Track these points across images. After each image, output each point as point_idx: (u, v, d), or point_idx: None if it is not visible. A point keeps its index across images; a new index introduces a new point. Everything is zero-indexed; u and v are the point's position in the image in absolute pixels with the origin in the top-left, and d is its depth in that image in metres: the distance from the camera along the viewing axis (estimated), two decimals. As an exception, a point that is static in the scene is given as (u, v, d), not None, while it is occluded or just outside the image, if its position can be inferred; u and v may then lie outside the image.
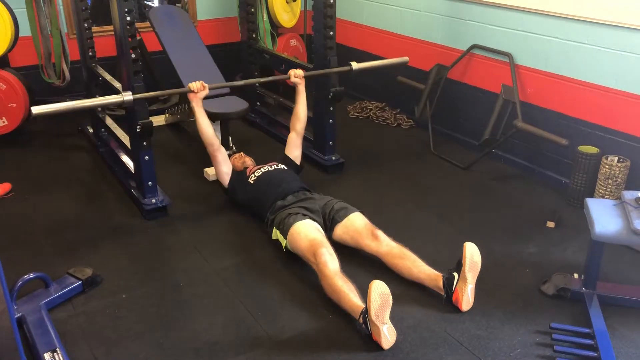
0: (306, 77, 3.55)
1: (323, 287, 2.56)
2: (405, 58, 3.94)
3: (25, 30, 4.09)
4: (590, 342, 2.34)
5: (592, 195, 3.36)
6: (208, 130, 3.27)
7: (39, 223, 3.27)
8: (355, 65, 3.69)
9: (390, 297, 2.28)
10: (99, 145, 4.13)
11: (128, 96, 3.04)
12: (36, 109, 2.83)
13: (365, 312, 2.31)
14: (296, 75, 3.49)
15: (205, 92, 3.27)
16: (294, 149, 3.48)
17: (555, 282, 2.67)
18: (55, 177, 3.81)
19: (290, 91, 5.17)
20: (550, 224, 3.23)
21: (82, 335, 2.41)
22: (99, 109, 4.08)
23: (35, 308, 2.46)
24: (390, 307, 2.29)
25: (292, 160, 3.46)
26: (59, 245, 3.04)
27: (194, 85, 3.24)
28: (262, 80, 3.63)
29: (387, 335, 2.30)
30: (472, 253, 2.51)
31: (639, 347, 2.36)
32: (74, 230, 3.19)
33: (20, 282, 2.46)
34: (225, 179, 3.33)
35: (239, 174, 3.34)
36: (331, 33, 3.65)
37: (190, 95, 3.26)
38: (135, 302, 2.62)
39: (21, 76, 4.21)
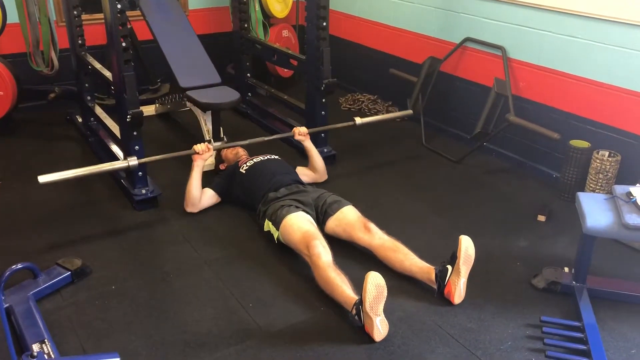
0: (310, 134, 3.51)
1: (316, 278, 2.55)
2: (410, 111, 4.07)
3: (13, 17, 4.02)
4: (580, 335, 2.36)
5: (582, 190, 3.38)
6: (197, 194, 3.19)
7: (28, 213, 3.23)
8: (358, 120, 3.74)
9: (385, 289, 2.28)
10: (88, 134, 4.08)
11: (133, 161, 3.07)
12: (43, 179, 2.83)
13: (359, 303, 2.30)
14: (300, 133, 3.48)
15: (210, 153, 3.26)
16: (304, 176, 3.41)
17: (545, 275, 2.68)
18: (43, 167, 3.74)
19: (282, 83, 5.17)
20: (541, 218, 3.24)
21: (71, 326, 2.39)
22: (89, 97, 4.04)
23: (24, 298, 2.43)
24: (384, 299, 2.29)
25: (297, 173, 3.35)
26: (48, 235, 3.01)
27: (199, 147, 3.21)
28: (266, 139, 3.54)
29: (380, 328, 2.29)
30: (467, 246, 2.51)
31: (628, 340, 2.38)
32: (63, 221, 3.15)
33: (8, 272, 2.41)
34: (217, 200, 3.29)
35: (228, 170, 3.32)
36: (324, 24, 3.62)
37: (195, 157, 3.22)
38: (124, 293, 2.60)
39: (9, 64, 4.15)
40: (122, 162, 3.10)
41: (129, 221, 3.17)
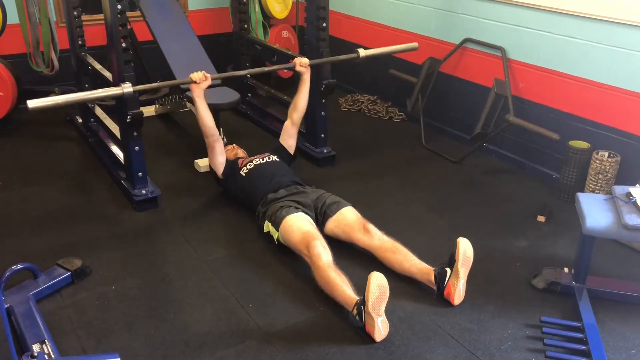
0: (311, 65, 3.45)
1: (316, 279, 2.55)
2: (414, 44, 3.80)
3: (13, 18, 4.02)
4: (579, 335, 2.36)
5: (582, 190, 3.38)
6: (209, 121, 3.20)
7: (28, 213, 3.23)
8: (362, 52, 3.58)
9: (388, 289, 2.29)
10: (88, 135, 4.09)
11: (128, 88, 2.96)
12: (32, 103, 2.72)
13: (362, 302, 2.31)
14: (301, 64, 3.40)
15: (208, 82, 3.18)
16: (288, 138, 3.44)
17: (545, 276, 2.68)
18: (43, 168, 3.77)
19: (282, 84, 5.17)
20: (541, 218, 3.24)
21: (71, 327, 2.39)
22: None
23: (24, 299, 2.43)
24: (386, 299, 2.29)
25: (286, 149, 3.42)
26: (48, 236, 3.01)
27: (196, 75, 3.15)
28: (265, 69, 3.51)
29: (381, 328, 2.30)
30: (465, 249, 2.51)
31: (627, 340, 2.38)
32: (63, 221, 3.15)
33: (8, 273, 2.41)
34: (220, 169, 3.30)
35: (231, 164, 3.32)
36: (324, 25, 3.63)
37: (192, 86, 3.16)
38: (124, 294, 2.60)
39: (9, 64, 4.15)
40: (116, 89, 2.98)
41: (129, 222, 3.17)
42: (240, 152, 3.50)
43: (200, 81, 3.15)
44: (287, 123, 3.46)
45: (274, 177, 3.13)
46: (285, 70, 5.02)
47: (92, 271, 2.73)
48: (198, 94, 3.17)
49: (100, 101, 4.23)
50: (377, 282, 2.26)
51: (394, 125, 4.61)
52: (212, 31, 5.10)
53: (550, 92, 3.60)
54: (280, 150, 3.41)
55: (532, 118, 3.62)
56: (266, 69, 3.54)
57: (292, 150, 3.45)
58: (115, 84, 3.15)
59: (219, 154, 3.29)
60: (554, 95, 3.59)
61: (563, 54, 3.49)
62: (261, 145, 3.64)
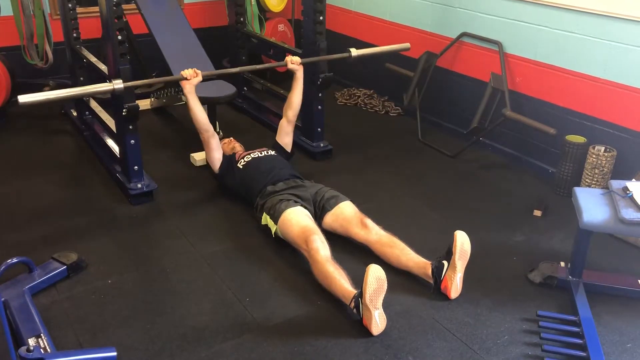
0: (303, 64, 3.46)
1: (314, 273, 2.55)
2: (406, 44, 3.83)
3: (6, 10, 3.99)
4: (576, 329, 2.37)
5: (578, 185, 3.39)
6: (202, 117, 3.21)
7: (22, 207, 3.21)
8: (354, 51, 3.60)
9: (386, 282, 2.29)
10: (83, 128, 4.06)
11: (119, 84, 2.96)
12: (23, 98, 2.72)
13: (359, 295, 2.31)
14: (293, 62, 3.42)
15: (199, 78, 3.20)
16: (285, 136, 3.45)
17: (542, 270, 2.69)
18: (38, 161, 3.74)
19: (278, 77, 5.15)
20: (537, 213, 3.25)
21: (67, 321, 2.38)
22: (84, 92, 4.01)
23: (19, 293, 2.42)
24: (384, 292, 2.29)
25: (283, 147, 3.43)
26: (43, 229, 3.00)
27: (187, 72, 3.17)
28: (257, 67, 3.54)
29: (378, 321, 2.30)
30: (462, 242, 2.51)
31: (623, 334, 2.39)
32: (58, 215, 3.14)
33: (3, 267, 2.41)
34: (217, 164, 3.30)
35: (228, 159, 3.31)
36: (321, 18, 3.61)
37: (183, 83, 3.18)
38: (121, 288, 2.59)
39: (3, 57, 4.12)
40: (106, 85, 2.97)
41: (125, 215, 3.15)
42: (238, 146, 3.49)
43: (191, 77, 3.17)
44: (283, 121, 3.47)
45: (272, 169, 3.12)
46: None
47: (88, 265, 2.72)
48: (189, 90, 3.18)
49: (94, 96, 4.21)
50: (375, 274, 2.26)
51: (390, 120, 4.60)
52: (207, 24, 5.07)
53: (547, 87, 3.61)
54: (277, 148, 3.42)
55: (529, 112, 3.62)
56: (258, 67, 3.56)
57: (289, 148, 3.46)
58: (111, 76, 3.13)
59: (215, 150, 3.28)
60: (550, 89, 3.59)
61: (560, 49, 3.48)
62: (258, 138, 3.63)
